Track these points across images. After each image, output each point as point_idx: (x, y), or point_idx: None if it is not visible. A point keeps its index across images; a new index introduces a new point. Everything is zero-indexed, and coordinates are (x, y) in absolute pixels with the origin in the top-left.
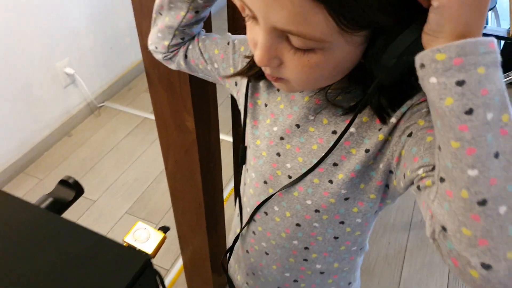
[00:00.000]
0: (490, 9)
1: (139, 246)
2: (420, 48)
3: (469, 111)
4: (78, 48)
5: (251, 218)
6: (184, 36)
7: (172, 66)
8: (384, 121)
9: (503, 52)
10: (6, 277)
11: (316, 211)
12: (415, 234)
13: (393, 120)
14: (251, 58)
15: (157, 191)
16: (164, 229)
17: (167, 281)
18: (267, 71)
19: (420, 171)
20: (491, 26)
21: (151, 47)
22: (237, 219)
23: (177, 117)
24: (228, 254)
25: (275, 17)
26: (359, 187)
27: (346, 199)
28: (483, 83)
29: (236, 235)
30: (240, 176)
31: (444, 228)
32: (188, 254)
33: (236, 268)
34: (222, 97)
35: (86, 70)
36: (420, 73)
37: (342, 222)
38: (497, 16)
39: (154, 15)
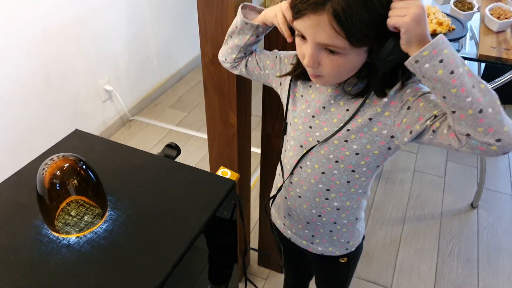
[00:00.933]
0: (461, 37)
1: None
2: (397, 52)
3: (452, 72)
4: (115, 68)
5: (291, 173)
6: (246, 52)
7: (235, 71)
8: (381, 96)
9: (486, 72)
10: (146, 197)
11: (336, 161)
12: (408, 227)
13: (385, 99)
14: (295, 64)
15: None
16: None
17: None
18: (310, 71)
19: (428, 122)
20: (465, 50)
21: (221, 59)
22: (279, 177)
23: (223, 115)
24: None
25: (318, 37)
26: (366, 146)
27: (357, 154)
28: (450, 57)
29: (279, 188)
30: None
31: (468, 135)
32: None
33: (276, 214)
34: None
35: (121, 88)
36: (415, 65)
37: (353, 171)
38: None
39: (226, 37)
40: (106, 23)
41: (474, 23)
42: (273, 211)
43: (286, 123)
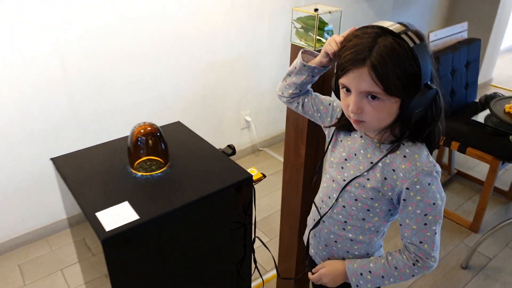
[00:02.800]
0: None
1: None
2: (423, 106)
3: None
4: (258, 104)
5: (322, 200)
6: (301, 89)
7: (291, 106)
8: (413, 140)
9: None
10: (190, 165)
11: (355, 200)
12: None
13: (400, 174)
14: (340, 118)
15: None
16: (264, 175)
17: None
18: (354, 117)
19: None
20: None
21: (279, 93)
22: (314, 209)
23: (296, 146)
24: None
25: (361, 86)
26: (378, 194)
27: (371, 198)
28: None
29: (318, 218)
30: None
31: None
32: (284, 240)
33: (306, 233)
34: None
35: (259, 121)
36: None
37: (368, 210)
38: None
39: (285, 75)
40: (260, 65)
41: None
42: (306, 231)
43: (323, 161)
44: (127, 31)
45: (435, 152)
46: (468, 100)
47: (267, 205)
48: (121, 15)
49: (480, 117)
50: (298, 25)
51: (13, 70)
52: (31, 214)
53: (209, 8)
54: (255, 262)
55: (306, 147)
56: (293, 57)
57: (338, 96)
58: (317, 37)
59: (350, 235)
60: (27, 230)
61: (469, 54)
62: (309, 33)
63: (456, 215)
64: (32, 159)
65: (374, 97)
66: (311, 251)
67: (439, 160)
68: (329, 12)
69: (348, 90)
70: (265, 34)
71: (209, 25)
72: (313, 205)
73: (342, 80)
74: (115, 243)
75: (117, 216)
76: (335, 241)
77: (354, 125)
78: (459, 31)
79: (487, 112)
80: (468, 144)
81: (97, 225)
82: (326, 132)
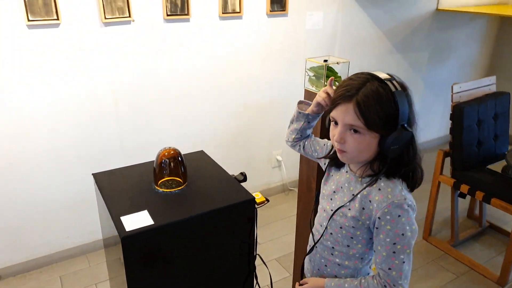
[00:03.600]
0: None
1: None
2: (399, 143)
3: None
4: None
5: (313, 228)
6: (302, 134)
7: (295, 150)
8: (389, 177)
9: None
10: (203, 186)
11: (340, 227)
12: None
13: (375, 205)
14: (330, 150)
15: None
16: (267, 199)
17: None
18: (337, 146)
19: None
20: None
21: (285, 138)
22: (311, 236)
23: (307, 181)
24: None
25: (346, 119)
26: (358, 223)
27: (353, 227)
28: None
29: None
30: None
31: None
32: (297, 265)
33: (305, 260)
34: None
35: (290, 162)
36: None
37: (352, 237)
38: None
39: (289, 123)
40: (291, 108)
41: None
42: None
43: (318, 193)
44: (172, 73)
45: (466, 203)
46: (497, 151)
47: (291, 242)
48: (166, 59)
49: (498, 166)
50: (311, 73)
51: (73, 102)
52: (75, 231)
53: (247, 56)
54: (256, 278)
55: (316, 182)
56: None
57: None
58: (325, 83)
59: (337, 260)
60: (70, 245)
61: (497, 106)
62: (320, 80)
63: (483, 267)
64: (80, 180)
65: (356, 131)
66: (308, 275)
67: (470, 212)
68: (337, 63)
69: (336, 123)
70: (297, 81)
71: (246, 71)
72: (310, 233)
73: (332, 113)
74: (132, 241)
75: (137, 220)
76: (325, 265)
77: (338, 155)
78: (486, 84)
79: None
80: (492, 195)
81: (120, 226)
82: (322, 165)
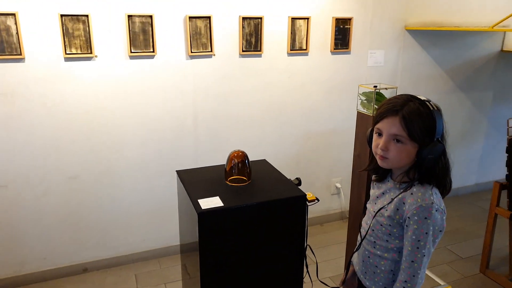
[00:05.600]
0: None
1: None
2: (434, 154)
3: None
4: (348, 174)
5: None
6: None
7: None
8: (423, 183)
9: None
10: (261, 183)
11: (380, 225)
12: None
13: (406, 206)
14: (370, 162)
15: None
16: (317, 199)
17: None
18: (381, 153)
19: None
20: None
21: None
22: (359, 234)
23: (358, 193)
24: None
25: (392, 130)
26: (393, 221)
27: (390, 225)
28: None
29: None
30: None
31: None
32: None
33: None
34: None
35: (348, 189)
36: None
37: (389, 234)
38: None
39: None
40: (352, 138)
41: None
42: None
43: (367, 200)
44: (243, 99)
45: None
46: None
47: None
48: (239, 86)
49: None
50: (363, 98)
51: (159, 122)
52: (151, 236)
53: (312, 87)
54: (307, 266)
55: (366, 195)
56: (358, 122)
57: (370, 145)
58: (375, 106)
59: (378, 252)
60: (146, 248)
61: None
62: (371, 103)
63: None
64: (161, 190)
65: (398, 141)
66: (356, 267)
67: None
68: (386, 89)
69: (380, 135)
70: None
71: (311, 100)
72: (359, 233)
73: (378, 125)
74: (206, 218)
75: (210, 202)
76: (368, 257)
77: (379, 161)
78: None
79: None
80: None
81: (197, 205)
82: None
